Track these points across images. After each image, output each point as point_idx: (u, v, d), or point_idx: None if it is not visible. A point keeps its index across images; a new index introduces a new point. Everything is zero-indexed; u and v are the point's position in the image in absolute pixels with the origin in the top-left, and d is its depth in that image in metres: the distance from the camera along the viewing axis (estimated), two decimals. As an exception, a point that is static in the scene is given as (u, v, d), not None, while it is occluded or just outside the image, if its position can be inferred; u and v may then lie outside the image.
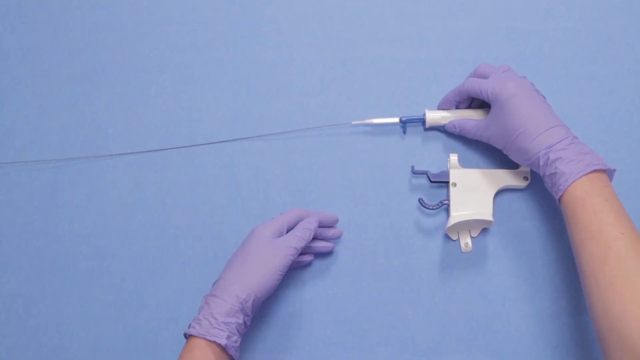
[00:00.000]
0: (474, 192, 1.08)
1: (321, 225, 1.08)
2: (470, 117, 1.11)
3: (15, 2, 1.21)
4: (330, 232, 1.09)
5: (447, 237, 1.11)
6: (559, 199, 0.97)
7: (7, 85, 1.19)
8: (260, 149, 1.15)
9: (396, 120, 1.12)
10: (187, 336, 0.95)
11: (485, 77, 1.07)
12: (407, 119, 1.12)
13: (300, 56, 1.18)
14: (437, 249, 1.11)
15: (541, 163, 0.98)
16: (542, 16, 1.18)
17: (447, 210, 1.10)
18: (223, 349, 0.93)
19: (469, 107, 1.13)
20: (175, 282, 1.11)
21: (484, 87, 1.04)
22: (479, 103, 1.12)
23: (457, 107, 1.13)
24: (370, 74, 1.17)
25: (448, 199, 1.09)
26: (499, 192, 1.10)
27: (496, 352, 1.07)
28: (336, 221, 1.11)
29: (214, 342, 0.92)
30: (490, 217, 1.06)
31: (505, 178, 1.09)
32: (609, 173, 0.97)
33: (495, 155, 1.11)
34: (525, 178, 1.09)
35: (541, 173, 0.99)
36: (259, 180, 1.14)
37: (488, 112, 1.07)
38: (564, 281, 1.08)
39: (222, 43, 1.19)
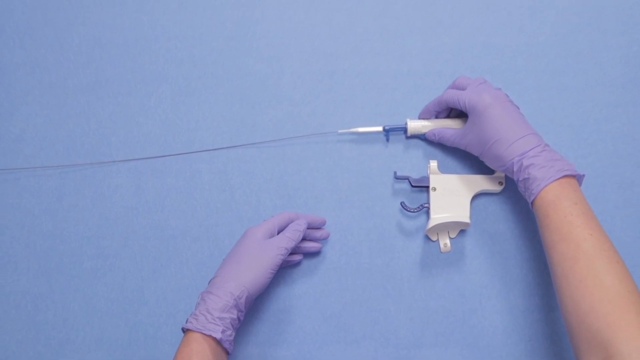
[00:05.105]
0: (453, 196, 1.07)
1: (310, 227, 1.08)
2: (448, 126, 1.10)
3: (24, 19, 1.21)
4: (318, 234, 1.09)
5: (427, 238, 1.10)
6: (532, 203, 0.96)
7: (17, 96, 1.19)
8: (253, 156, 1.14)
9: (379, 129, 1.12)
10: (185, 330, 0.94)
11: (462, 88, 1.07)
12: (390, 128, 1.12)
13: (290, 69, 1.18)
14: (418, 249, 1.10)
15: (515, 169, 0.97)
16: (515, 32, 1.18)
17: (427, 213, 1.09)
18: (218, 342, 0.92)
19: (448, 116, 1.12)
20: (174, 280, 1.11)
21: (462, 98, 1.04)
22: (457, 113, 1.12)
23: (436, 117, 1.13)
24: (355, 85, 1.16)
25: (428, 203, 1.08)
26: (476, 196, 1.10)
27: (472, 346, 1.06)
28: (324, 223, 1.10)
29: (210, 336, 0.92)
30: (467, 220, 1.05)
31: (481, 183, 1.08)
32: (579, 178, 0.97)
33: (472, 161, 1.11)
34: (500, 183, 1.08)
35: (515, 178, 0.99)
36: (251, 185, 1.13)
37: (465, 121, 1.07)
38: (536, 279, 1.08)
39: (217, 57, 1.19)
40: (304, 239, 1.07)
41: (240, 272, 0.97)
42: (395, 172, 1.11)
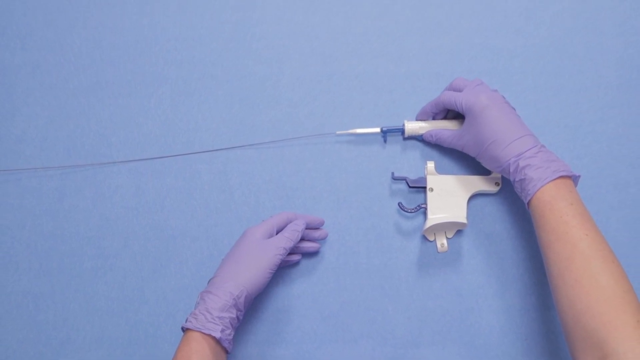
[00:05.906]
0: (450, 196, 1.07)
1: (308, 227, 1.07)
2: (446, 127, 1.10)
3: (25, 21, 1.21)
4: (316, 234, 1.09)
5: (424, 238, 1.10)
6: (528, 203, 0.96)
7: (18, 97, 1.18)
8: (252, 157, 1.14)
9: (377, 130, 1.12)
10: (184, 329, 0.94)
11: (459, 90, 1.06)
12: (387, 129, 1.12)
13: (289, 71, 1.17)
14: (415, 249, 1.10)
15: (511, 170, 0.97)
16: (512, 34, 1.17)
17: (425, 214, 1.09)
18: (217, 341, 0.92)
19: (445, 118, 1.12)
20: (173, 280, 1.11)
21: (459, 100, 1.03)
22: (454, 114, 1.12)
23: (433, 118, 1.12)
24: (353, 87, 1.16)
25: (425, 203, 1.08)
26: (473, 197, 1.10)
27: (469, 344, 1.06)
28: (322, 223, 1.10)
29: (209, 335, 0.92)
30: (464, 220, 1.05)
31: (478, 183, 1.08)
32: (574, 179, 0.97)
33: (469, 162, 1.11)
34: (497, 184, 1.08)
35: (511, 179, 0.99)
36: (250, 185, 1.13)
37: (462, 122, 1.07)
38: (532, 279, 1.07)
39: (217, 58, 1.18)
40: (302, 239, 1.07)
41: (240, 272, 0.96)
42: (392, 173, 1.11)
